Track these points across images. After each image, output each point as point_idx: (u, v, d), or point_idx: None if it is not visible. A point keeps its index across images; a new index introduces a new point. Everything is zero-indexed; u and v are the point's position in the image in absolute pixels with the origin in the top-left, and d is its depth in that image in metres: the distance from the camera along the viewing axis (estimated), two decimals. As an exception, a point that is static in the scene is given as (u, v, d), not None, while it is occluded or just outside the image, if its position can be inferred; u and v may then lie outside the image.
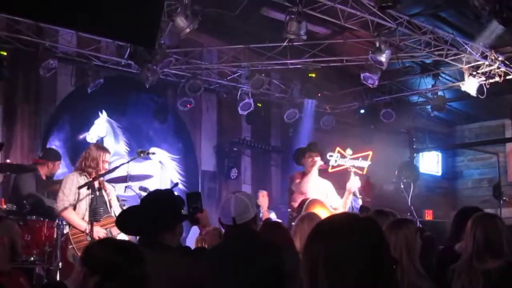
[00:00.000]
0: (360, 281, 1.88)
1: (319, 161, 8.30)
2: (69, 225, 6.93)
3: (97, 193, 6.86)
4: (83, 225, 6.75)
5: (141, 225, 3.80)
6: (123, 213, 4.28)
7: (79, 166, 7.18)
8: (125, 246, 2.73)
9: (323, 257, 1.90)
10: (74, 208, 6.88)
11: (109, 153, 7.37)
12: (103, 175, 7.21)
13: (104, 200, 7.11)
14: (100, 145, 7.69)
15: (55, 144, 9.83)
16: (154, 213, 3.78)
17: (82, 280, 2.62)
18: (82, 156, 7.21)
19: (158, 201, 3.92)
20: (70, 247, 6.82)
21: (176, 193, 7.90)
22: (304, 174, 8.40)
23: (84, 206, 6.87)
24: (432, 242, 6.76)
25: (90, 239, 6.56)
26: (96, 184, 6.97)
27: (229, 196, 4.07)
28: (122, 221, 4.10)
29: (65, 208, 6.83)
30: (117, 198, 7.68)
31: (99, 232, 6.81)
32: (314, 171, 8.31)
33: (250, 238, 4.00)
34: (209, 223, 4.57)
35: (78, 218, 6.84)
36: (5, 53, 9.14)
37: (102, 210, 7.05)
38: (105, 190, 7.22)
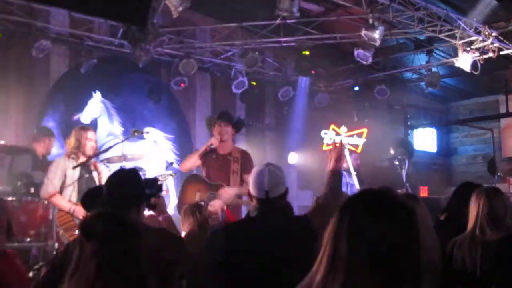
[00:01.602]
0: (378, 259, 1.85)
1: (227, 132, 7.20)
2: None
3: (87, 175, 6.85)
4: (67, 206, 6.73)
5: (107, 206, 3.59)
6: (89, 193, 4.07)
7: (66, 150, 7.19)
8: (121, 218, 2.75)
9: (346, 230, 1.90)
10: (62, 190, 6.85)
11: (92, 131, 7.26)
12: (96, 155, 7.19)
13: (94, 182, 7.08)
14: (82, 126, 7.60)
15: (49, 124, 9.79)
16: (121, 194, 3.68)
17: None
18: (67, 141, 7.21)
19: (125, 182, 3.81)
20: (58, 229, 6.83)
21: (171, 172, 7.96)
22: None
23: (71, 187, 6.86)
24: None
25: (76, 219, 6.58)
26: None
27: (262, 168, 3.88)
28: (88, 202, 3.94)
29: (49, 193, 6.80)
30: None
31: (81, 211, 6.72)
32: (227, 141, 7.26)
33: (282, 213, 3.92)
34: (165, 209, 4.45)
35: (63, 200, 6.80)
36: (-3, 34, 9.13)
37: None
38: (97, 170, 7.19)
